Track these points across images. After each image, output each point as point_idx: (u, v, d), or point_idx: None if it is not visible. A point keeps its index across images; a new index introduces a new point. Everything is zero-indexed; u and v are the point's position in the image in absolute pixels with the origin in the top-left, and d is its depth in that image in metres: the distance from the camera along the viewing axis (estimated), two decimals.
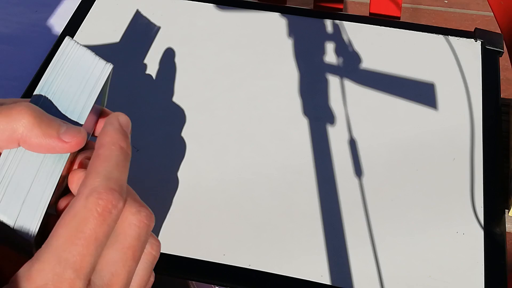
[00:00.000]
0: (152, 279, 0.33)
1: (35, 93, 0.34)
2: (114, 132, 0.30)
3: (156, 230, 0.45)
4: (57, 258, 0.27)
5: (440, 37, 0.57)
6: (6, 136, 0.30)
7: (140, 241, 0.29)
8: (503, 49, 0.56)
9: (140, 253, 0.29)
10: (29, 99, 0.33)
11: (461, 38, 0.57)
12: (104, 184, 0.28)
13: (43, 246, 0.28)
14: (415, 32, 0.57)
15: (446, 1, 1.53)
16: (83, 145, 0.31)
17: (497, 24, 0.68)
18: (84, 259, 0.27)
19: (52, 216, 0.31)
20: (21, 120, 0.30)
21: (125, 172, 0.30)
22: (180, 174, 0.48)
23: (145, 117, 0.52)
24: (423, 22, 1.35)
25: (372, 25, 0.58)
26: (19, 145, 0.30)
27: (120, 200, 0.28)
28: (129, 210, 0.29)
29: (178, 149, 0.50)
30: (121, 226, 0.29)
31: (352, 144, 0.50)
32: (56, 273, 0.27)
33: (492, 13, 0.68)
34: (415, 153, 0.49)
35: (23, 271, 0.28)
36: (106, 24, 0.59)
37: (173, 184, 0.48)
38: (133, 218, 0.29)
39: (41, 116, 0.30)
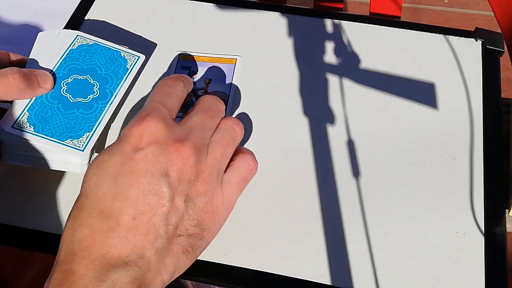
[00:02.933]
0: (251, 168, 0.43)
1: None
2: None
3: None
4: (150, 99, 0.42)
5: (441, 36, 0.57)
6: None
7: (212, 108, 0.43)
8: (503, 49, 0.56)
9: (211, 113, 0.43)
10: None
11: (461, 38, 0.56)
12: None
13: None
14: (415, 31, 0.57)
15: (447, 1, 1.52)
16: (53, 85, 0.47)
17: (498, 24, 0.68)
18: (167, 100, 0.42)
19: None
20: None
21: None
22: None
23: None
24: (423, 21, 1.35)
25: (372, 25, 0.58)
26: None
27: (180, 79, 0.45)
28: (209, 95, 0.45)
29: None
30: (200, 100, 0.44)
31: (352, 144, 0.50)
32: (150, 105, 0.41)
33: (493, 12, 0.68)
34: (415, 153, 0.49)
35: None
36: (106, 24, 0.59)
37: None
38: (209, 97, 0.44)
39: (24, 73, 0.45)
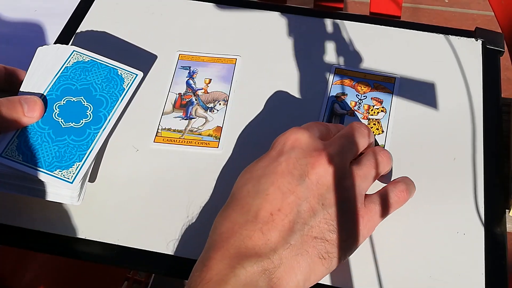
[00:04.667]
0: (399, 198, 0.43)
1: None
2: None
3: (157, 231, 0.45)
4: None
5: (441, 36, 0.57)
6: None
7: (354, 135, 0.44)
8: (504, 49, 0.55)
9: (353, 138, 0.43)
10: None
11: (461, 38, 0.56)
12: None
13: None
14: (416, 31, 0.57)
15: (447, 1, 1.52)
16: (43, 112, 0.45)
17: (498, 24, 0.68)
18: (320, 126, 0.45)
19: None
20: None
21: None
22: (180, 174, 0.48)
23: (144, 116, 0.52)
24: (423, 21, 1.35)
25: (373, 25, 0.58)
26: None
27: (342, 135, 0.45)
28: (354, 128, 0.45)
29: (177, 149, 0.50)
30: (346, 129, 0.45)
31: None
32: (307, 124, 0.45)
33: (493, 12, 0.68)
34: (415, 153, 0.49)
35: None
36: (106, 24, 0.58)
37: (173, 184, 0.48)
38: (356, 126, 0.45)
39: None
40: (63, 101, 0.46)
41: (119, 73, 0.47)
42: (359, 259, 0.43)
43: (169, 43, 0.57)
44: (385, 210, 0.42)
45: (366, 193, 0.43)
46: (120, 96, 0.46)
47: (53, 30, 0.60)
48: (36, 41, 0.59)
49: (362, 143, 0.44)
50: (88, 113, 0.45)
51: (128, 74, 0.48)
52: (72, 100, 0.46)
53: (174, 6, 0.60)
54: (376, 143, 0.49)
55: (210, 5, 0.60)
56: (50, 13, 0.62)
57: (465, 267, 0.43)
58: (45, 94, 0.46)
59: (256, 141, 0.50)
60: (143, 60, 0.55)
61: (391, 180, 0.46)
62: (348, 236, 0.40)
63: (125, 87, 0.47)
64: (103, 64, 0.48)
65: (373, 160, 0.44)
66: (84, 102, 0.46)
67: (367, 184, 0.43)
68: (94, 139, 0.45)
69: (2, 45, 0.60)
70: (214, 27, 0.58)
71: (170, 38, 0.57)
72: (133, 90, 0.48)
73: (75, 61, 0.48)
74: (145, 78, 0.53)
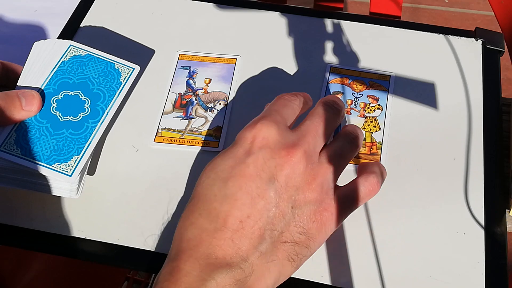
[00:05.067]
0: (372, 188, 0.43)
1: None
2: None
3: (157, 231, 0.45)
4: (266, 109, 0.43)
5: (441, 36, 0.57)
6: None
7: (324, 116, 0.42)
8: (504, 49, 0.55)
9: (325, 119, 0.42)
10: None
11: (461, 38, 0.56)
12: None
13: None
14: (416, 31, 0.57)
15: (447, 1, 1.52)
16: (40, 106, 0.45)
17: (498, 24, 0.68)
18: (282, 109, 0.42)
19: None
20: None
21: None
22: (180, 174, 0.48)
23: (144, 116, 0.52)
24: (423, 21, 1.35)
25: (373, 25, 0.58)
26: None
27: (298, 96, 0.44)
28: (322, 103, 0.44)
29: (177, 149, 0.50)
30: (315, 107, 0.44)
31: None
32: (265, 112, 0.42)
33: (493, 12, 0.68)
34: (415, 153, 0.49)
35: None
36: (106, 24, 0.58)
37: (173, 184, 0.48)
38: (322, 102, 0.43)
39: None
40: (61, 95, 0.46)
41: (116, 67, 0.47)
42: (359, 259, 0.43)
43: (169, 43, 0.57)
44: (354, 203, 0.42)
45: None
46: (118, 90, 0.46)
47: (53, 30, 0.60)
48: (36, 41, 0.59)
49: (333, 125, 0.43)
50: (85, 107, 0.45)
51: (125, 68, 0.47)
52: (70, 94, 0.46)
53: (174, 6, 0.60)
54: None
55: (210, 5, 0.60)
56: (50, 13, 0.62)
57: (465, 267, 0.43)
58: (42, 88, 0.46)
59: None
60: (143, 59, 0.55)
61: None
62: (318, 234, 0.40)
63: (122, 81, 0.47)
64: (100, 58, 0.48)
65: (346, 146, 0.42)
66: (82, 96, 0.46)
67: (337, 175, 0.42)
68: (92, 133, 0.45)
69: (2, 45, 0.60)
70: (214, 27, 0.58)
71: (170, 38, 0.57)
72: (130, 84, 0.48)
73: (72, 55, 0.48)
74: (143, 76, 0.53)
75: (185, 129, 0.51)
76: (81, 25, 0.58)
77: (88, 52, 0.48)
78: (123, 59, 0.49)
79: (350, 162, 0.48)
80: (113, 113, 0.46)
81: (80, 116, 0.45)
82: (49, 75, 0.47)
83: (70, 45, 0.49)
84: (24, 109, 0.44)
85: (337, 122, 0.44)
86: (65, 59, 0.48)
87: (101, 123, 0.45)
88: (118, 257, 0.44)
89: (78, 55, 0.48)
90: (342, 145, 0.42)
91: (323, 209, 0.40)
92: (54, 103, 0.45)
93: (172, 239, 0.39)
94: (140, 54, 0.56)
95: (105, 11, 0.60)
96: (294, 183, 0.39)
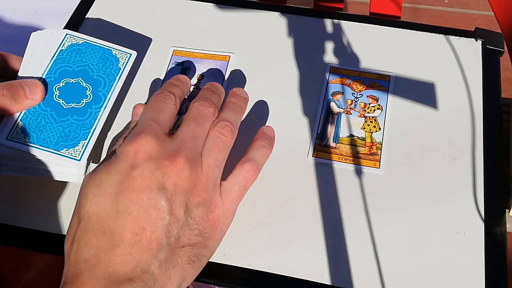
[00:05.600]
0: (251, 176, 0.44)
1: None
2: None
3: None
4: (142, 117, 0.43)
5: (441, 36, 0.57)
6: None
7: (200, 115, 0.43)
8: (503, 49, 0.55)
9: (201, 121, 0.43)
10: None
11: (461, 38, 0.56)
12: (161, 90, 0.45)
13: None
14: (415, 31, 0.57)
15: (447, 1, 1.52)
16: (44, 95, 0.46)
17: (498, 24, 0.68)
18: (159, 116, 0.42)
19: None
20: None
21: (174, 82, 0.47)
22: None
23: None
24: (423, 21, 1.35)
25: (372, 25, 0.58)
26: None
27: (171, 94, 0.45)
28: (196, 101, 0.45)
29: None
30: (189, 108, 0.44)
31: None
32: (142, 123, 0.42)
33: (493, 12, 0.68)
34: (415, 153, 0.49)
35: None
36: (106, 24, 0.59)
37: None
38: (197, 103, 0.44)
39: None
40: (62, 83, 0.47)
41: (113, 53, 0.48)
42: (359, 259, 0.43)
43: (168, 42, 0.57)
44: (240, 193, 0.43)
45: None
46: (117, 75, 0.47)
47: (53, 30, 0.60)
48: (66, 32, 0.59)
49: (208, 123, 0.44)
50: (88, 93, 0.46)
51: (123, 54, 0.48)
52: (71, 81, 0.47)
53: (175, 6, 0.60)
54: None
55: (210, 5, 0.60)
56: (50, 13, 0.62)
57: (465, 267, 0.43)
58: (43, 77, 0.47)
59: (247, 139, 0.50)
60: (141, 58, 0.56)
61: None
62: (213, 232, 0.41)
63: (120, 66, 0.47)
64: (97, 45, 0.49)
65: (220, 143, 0.43)
66: (83, 83, 0.47)
67: (220, 170, 0.43)
68: (96, 118, 0.46)
69: (2, 45, 0.60)
70: (213, 27, 0.58)
71: (170, 38, 0.57)
72: (128, 69, 0.48)
73: (69, 44, 0.49)
74: (138, 73, 0.53)
75: (175, 125, 0.51)
76: (81, 25, 0.58)
77: (85, 40, 0.49)
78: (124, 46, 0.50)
79: (350, 162, 0.48)
80: (115, 98, 0.47)
81: (83, 102, 0.46)
82: (49, 64, 0.48)
83: (67, 34, 0.50)
84: (28, 98, 0.45)
85: (212, 119, 0.44)
86: (63, 48, 0.48)
87: (104, 108, 0.46)
88: None
89: (76, 43, 0.49)
90: (216, 141, 0.43)
91: (213, 207, 0.41)
92: (56, 91, 0.46)
93: (64, 263, 0.38)
94: (139, 53, 0.56)
95: (105, 11, 0.60)
96: (182, 188, 0.40)
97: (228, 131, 0.44)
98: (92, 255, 0.37)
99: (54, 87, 0.46)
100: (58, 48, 0.48)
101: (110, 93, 0.47)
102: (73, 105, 0.46)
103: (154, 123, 0.42)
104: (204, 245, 0.40)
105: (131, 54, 0.49)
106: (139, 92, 0.53)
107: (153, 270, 0.37)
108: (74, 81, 0.47)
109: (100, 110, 0.46)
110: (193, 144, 0.42)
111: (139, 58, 0.55)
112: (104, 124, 0.46)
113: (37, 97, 0.45)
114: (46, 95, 0.46)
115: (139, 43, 0.57)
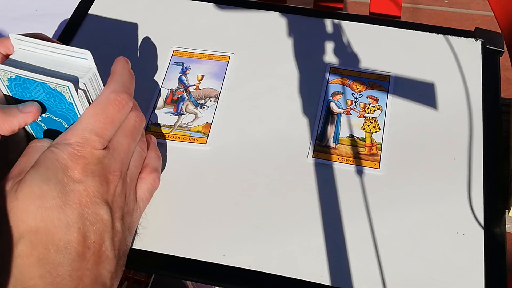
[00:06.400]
0: (157, 184, 0.46)
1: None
2: (124, 62, 0.44)
3: (156, 230, 0.45)
4: (86, 127, 0.39)
5: (440, 36, 0.57)
6: None
7: (136, 129, 0.43)
8: (503, 49, 0.55)
9: (136, 136, 0.43)
10: None
11: (461, 38, 0.56)
12: (121, 88, 0.42)
13: (75, 122, 0.40)
14: (415, 31, 0.57)
15: (446, 1, 1.52)
16: (39, 111, 0.42)
17: (498, 24, 0.68)
18: (105, 131, 0.40)
19: None
20: None
21: (132, 86, 0.43)
22: (180, 174, 0.48)
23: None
24: (423, 21, 1.35)
25: (372, 25, 0.58)
26: None
27: (130, 101, 0.42)
28: (133, 110, 0.43)
29: (177, 150, 0.50)
30: (126, 119, 0.42)
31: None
32: (85, 136, 0.39)
33: (492, 12, 0.68)
34: (415, 153, 0.49)
35: (61, 136, 0.40)
36: (106, 24, 0.59)
37: (173, 185, 0.48)
38: (134, 115, 0.43)
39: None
40: (39, 121, 0.43)
41: (52, 87, 0.40)
42: (359, 259, 0.43)
43: (168, 42, 0.57)
44: (149, 199, 0.46)
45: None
46: (74, 109, 0.41)
47: (53, 30, 0.60)
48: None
49: (138, 137, 0.44)
50: (64, 126, 0.43)
51: (61, 87, 0.40)
52: (45, 116, 0.42)
53: (174, 6, 0.60)
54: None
55: (210, 5, 0.60)
56: (50, 13, 0.62)
57: (465, 267, 0.43)
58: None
59: (245, 139, 0.50)
60: (140, 58, 0.56)
61: None
62: (130, 237, 0.44)
63: (69, 100, 0.40)
64: (32, 79, 0.40)
65: (140, 159, 0.45)
66: (55, 118, 0.42)
67: (136, 178, 0.45)
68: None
69: None
70: (214, 27, 0.58)
71: (170, 37, 0.57)
72: (82, 97, 0.40)
73: (7, 78, 0.41)
74: (137, 72, 0.53)
75: (174, 125, 0.51)
76: (81, 25, 0.58)
77: (16, 74, 0.40)
78: (121, 55, 0.45)
79: (350, 162, 0.48)
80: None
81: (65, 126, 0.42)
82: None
83: None
84: (21, 111, 0.41)
85: (140, 134, 0.44)
86: (7, 84, 0.41)
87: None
88: None
89: (11, 77, 0.41)
90: (138, 156, 0.45)
91: (135, 216, 0.44)
92: (40, 123, 0.43)
93: (9, 277, 0.36)
94: (138, 53, 0.56)
95: (105, 11, 0.60)
96: (119, 203, 0.41)
97: (145, 147, 0.46)
98: (49, 270, 0.36)
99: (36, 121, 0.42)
100: (3, 84, 0.41)
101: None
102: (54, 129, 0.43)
103: (96, 137, 0.39)
104: (128, 249, 0.43)
105: (68, 86, 0.39)
106: (138, 92, 0.53)
107: (107, 282, 0.38)
108: (46, 116, 0.42)
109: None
110: (126, 160, 0.43)
111: (139, 58, 0.55)
112: None
113: (32, 110, 0.41)
114: (39, 115, 0.41)
115: (139, 43, 0.57)
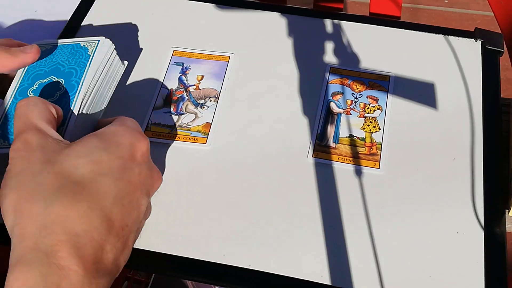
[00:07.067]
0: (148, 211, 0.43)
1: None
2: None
3: (156, 230, 0.45)
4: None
5: (440, 36, 0.57)
6: None
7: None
8: (503, 49, 0.56)
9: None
10: None
11: (461, 38, 0.56)
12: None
13: None
14: (415, 32, 0.57)
15: (446, 1, 1.53)
16: (38, 53, 0.46)
17: (497, 24, 0.68)
18: None
19: None
20: None
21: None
22: (180, 174, 0.48)
23: (134, 110, 0.52)
24: (423, 22, 1.35)
25: (372, 25, 0.58)
26: None
27: None
28: None
29: (177, 149, 0.50)
30: None
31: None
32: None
33: (492, 12, 0.68)
34: (414, 153, 0.49)
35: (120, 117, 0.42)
36: (106, 24, 0.59)
37: (173, 185, 0.48)
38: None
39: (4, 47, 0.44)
40: (35, 85, 0.46)
41: (82, 45, 0.47)
42: (359, 259, 0.43)
43: (167, 42, 0.57)
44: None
45: None
46: (87, 62, 0.46)
47: (53, 30, 0.60)
48: (36, 41, 0.59)
49: None
50: (60, 86, 0.45)
51: (91, 42, 0.47)
52: (44, 81, 0.46)
53: (174, 6, 0.60)
54: None
55: (210, 5, 0.60)
56: (50, 13, 0.62)
57: (465, 267, 0.43)
58: (17, 86, 0.46)
59: (245, 139, 0.50)
60: (140, 57, 0.56)
61: None
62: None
63: (90, 53, 0.46)
64: (65, 44, 0.48)
65: None
66: (55, 78, 0.46)
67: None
68: (72, 104, 0.44)
69: None
70: (213, 27, 0.58)
71: (170, 37, 0.57)
72: (102, 54, 0.46)
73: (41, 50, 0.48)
74: (136, 72, 0.53)
75: (174, 125, 0.51)
76: (82, 25, 0.58)
77: (52, 44, 0.48)
78: (121, 56, 0.49)
79: (350, 162, 0.48)
80: (91, 81, 0.45)
81: (57, 95, 0.45)
82: (22, 74, 0.47)
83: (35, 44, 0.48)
84: (22, 51, 0.45)
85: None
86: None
87: (78, 93, 0.45)
88: None
89: (44, 49, 0.48)
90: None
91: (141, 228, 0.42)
92: (30, 94, 0.46)
93: (24, 220, 0.34)
94: (138, 52, 0.56)
95: (105, 11, 0.60)
96: (149, 204, 0.42)
97: None
98: (86, 231, 0.34)
99: (28, 91, 0.46)
100: None
101: (82, 79, 0.45)
102: (48, 99, 0.44)
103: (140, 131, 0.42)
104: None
105: (99, 40, 0.47)
106: (138, 92, 0.53)
107: (120, 266, 0.37)
108: (46, 80, 0.46)
109: (74, 96, 0.45)
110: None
111: (139, 58, 0.56)
112: (86, 106, 0.44)
113: (32, 51, 0.45)
114: (39, 56, 0.46)
115: (139, 43, 0.57)
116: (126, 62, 0.49)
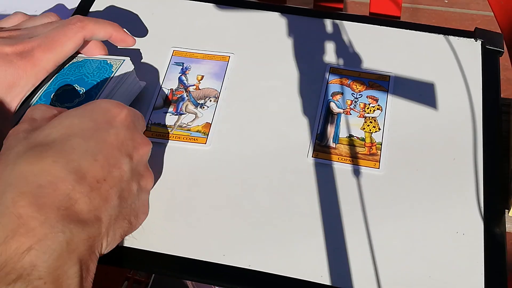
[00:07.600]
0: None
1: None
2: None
3: (156, 230, 0.45)
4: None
5: (440, 36, 0.57)
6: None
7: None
8: (503, 49, 0.56)
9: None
10: None
11: (461, 38, 0.56)
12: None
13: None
14: (415, 31, 0.57)
15: (446, 1, 1.53)
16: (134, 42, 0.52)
17: (497, 24, 0.68)
18: None
19: None
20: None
21: None
22: (180, 174, 0.48)
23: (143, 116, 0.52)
24: (423, 21, 1.35)
25: (372, 25, 0.58)
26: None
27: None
28: None
29: (177, 149, 0.50)
30: None
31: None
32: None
33: (492, 12, 0.68)
34: (415, 153, 0.49)
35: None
36: None
37: (173, 184, 0.48)
38: None
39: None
40: (59, 90, 0.48)
41: (108, 62, 0.49)
42: (359, 260, 0.43)
43: (167, 42, 0.57)
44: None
45: None
46: (109, 77, 0.48)
47: None
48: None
49: None
50: (81, 94, 0.47)
51: (117, 61, 0.49)
52: (68, 88, 0.48)
53: (174, 6, 0.60)
54: None
55: (210, 5, 0.60)
56: None
57: (465, 267, 0.43)
58: (44, 89, 0.48)
59: (245, 139, 0.50)
60: (140, 57, 0.56)
61: None
62: (143, 216, 0.43)
63: (113, 70, 0.48)
64: (94, 59, 0.50)
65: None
66: (78, 87, 0.48)
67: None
68: None
69: None
70: (213, 27, 0.58)
71: (169, 37, 0.57)
72: (123, 71, 0.49)
73: (70, 62, 0.50)
74: (137, 73, 0.53)
75: (174, 125, 0.51)
76: None
77: (84, 57, 0.51)
78: (121, 56, 0.50)
79: (350, 162, 0.48)
80: (109, 98, 0.48)
81: (76, 101, 0.47)
82: (51, 80, 0.49)
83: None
84: (111, 25, 0.49)
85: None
86: (65, 66, 0.50)
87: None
88: (118, 257, 0.44)
89: (76, 61, 0.50)
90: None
91: (147, 197, 0.44)
92: (53, 98, 0.48)
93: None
94: (138, 52, 0.56)
95: (105, 11, 0.60)
96: (140, 170, 0.42)
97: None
98: (49, 182, 0.35)
99: (52, 95, 0.48)
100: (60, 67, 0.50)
101: (100, 91, 0.47)
102: (66, 104, 0.47)
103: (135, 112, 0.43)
104: (134, 226, 0.42)
105: (124, 60, 0.50)
106: (142, 94, 0.53)
107: (103, 221, 0.37)
108: (70, 88, 0.48)
109: None
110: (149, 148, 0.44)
111: (139, 58, 0.56)
112: None
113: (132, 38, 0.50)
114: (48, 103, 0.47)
115: (139, 43, 0.57)
116: (143, 83, 0.52)
